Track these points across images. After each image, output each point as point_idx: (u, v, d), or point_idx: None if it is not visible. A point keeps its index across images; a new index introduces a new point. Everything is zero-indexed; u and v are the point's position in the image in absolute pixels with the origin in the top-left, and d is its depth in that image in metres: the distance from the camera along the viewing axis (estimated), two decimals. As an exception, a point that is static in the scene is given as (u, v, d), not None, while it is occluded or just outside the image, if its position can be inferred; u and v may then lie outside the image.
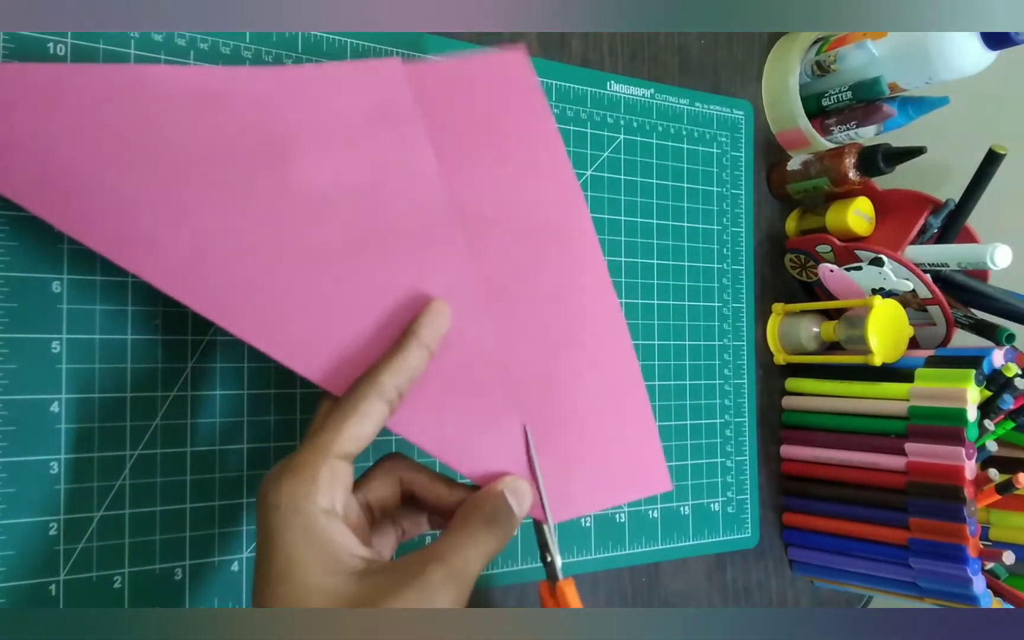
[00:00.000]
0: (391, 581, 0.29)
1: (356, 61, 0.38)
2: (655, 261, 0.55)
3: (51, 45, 0.37)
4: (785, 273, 0.63)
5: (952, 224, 0.57)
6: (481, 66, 0.41)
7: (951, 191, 0.57)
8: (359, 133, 0.36)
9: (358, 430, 0.31)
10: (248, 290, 0.33)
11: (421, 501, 0.35)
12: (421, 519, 0.37)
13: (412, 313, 0.35)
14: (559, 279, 0.39)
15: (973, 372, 0.50)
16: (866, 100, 0.58)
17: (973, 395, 0.50)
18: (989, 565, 0.50)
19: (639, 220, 0.55)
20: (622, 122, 0.55)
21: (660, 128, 0.56)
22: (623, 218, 0.54)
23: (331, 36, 0.44)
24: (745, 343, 0.59)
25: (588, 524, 0.51)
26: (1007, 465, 0.52)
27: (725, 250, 0.59)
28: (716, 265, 0.58)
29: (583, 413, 0.39)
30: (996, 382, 0.50)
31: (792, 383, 0.61)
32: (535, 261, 0.39)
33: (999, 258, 0.52)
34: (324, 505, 0.30)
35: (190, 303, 0.33)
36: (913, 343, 0.59)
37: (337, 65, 0.37)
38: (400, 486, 0.35)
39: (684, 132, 0.57)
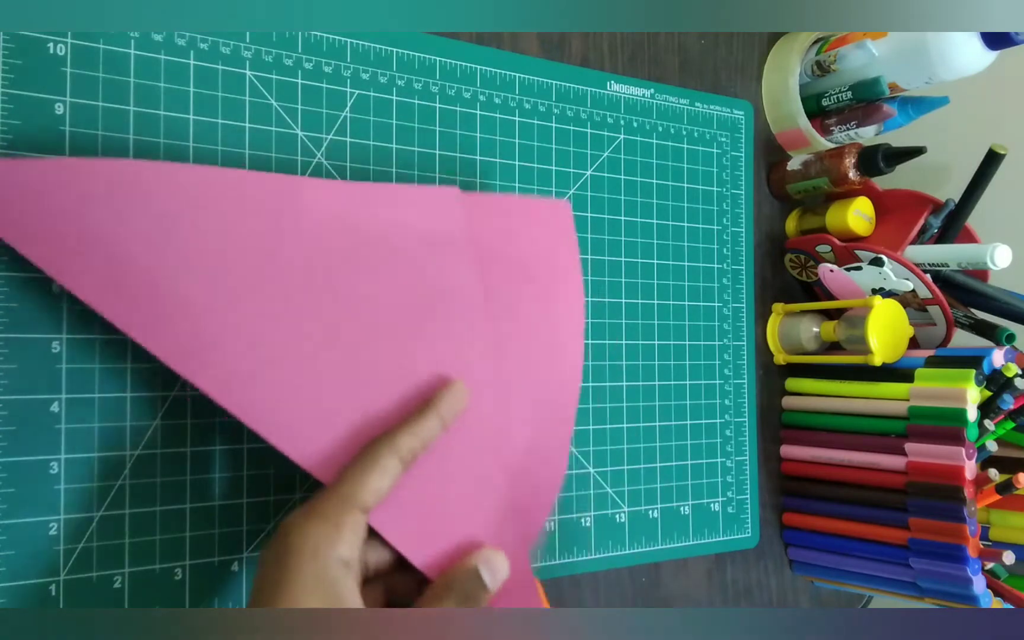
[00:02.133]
0: None
1: (417, 187, 0.40)
2: (655, 261, 0.55)
3: (51, 45, 0.37)
4: (785, 273, 0.63)
5: (952, 224, 0.57)
6: (527, 206, 0.44)
7: (951, 191, 0.57)
8: (416, 254, 0.38)
9: (378, 484, 0.32)
10: (295, 404, 0.34)
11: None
12: (413, 582, 0.37)
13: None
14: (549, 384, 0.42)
15: (973, 372, 0.50)
16: (866, 100, 0.58)
17: (973, 395, 0.50)
18: (989, 565, 0.50)
19: (639, 220, 0.55)
20: (622, 122, 0.55)
21: (660, 128, 0.56)
22: (623, 218, 0.54)
23: (331, 36, 0.44)
24: (745, 343, 0.59)
25: (588, 524, 0.51)
26: (1007, 465, 0.52)
27: (725, 250, 0.59)
28: (716, 265, 0.58)
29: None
30: (996, 382, 0.50)
31: (792, 383, 0.61)
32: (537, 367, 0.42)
33: (999, 258, 0.52)
34: (343, 556, 0.30)
35: (242, 417, 0.33)
36: (913, 343, 0.59)
37: (402, 188, 0.39)
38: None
39: (684, 132, 0.57)
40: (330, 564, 0.30)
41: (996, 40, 0.51)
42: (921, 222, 0.57)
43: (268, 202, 0.35)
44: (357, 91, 0.45)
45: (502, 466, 0.39)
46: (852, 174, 0.56)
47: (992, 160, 0.54)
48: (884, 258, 0.55)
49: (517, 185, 0.50)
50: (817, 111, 0.61)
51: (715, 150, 0.59)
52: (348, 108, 0.45)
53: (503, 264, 0.41)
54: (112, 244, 0.32)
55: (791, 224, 0.63)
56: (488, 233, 0.41)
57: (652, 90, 0.56)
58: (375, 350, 0.36)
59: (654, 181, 0.56)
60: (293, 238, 0.35)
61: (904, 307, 0.55)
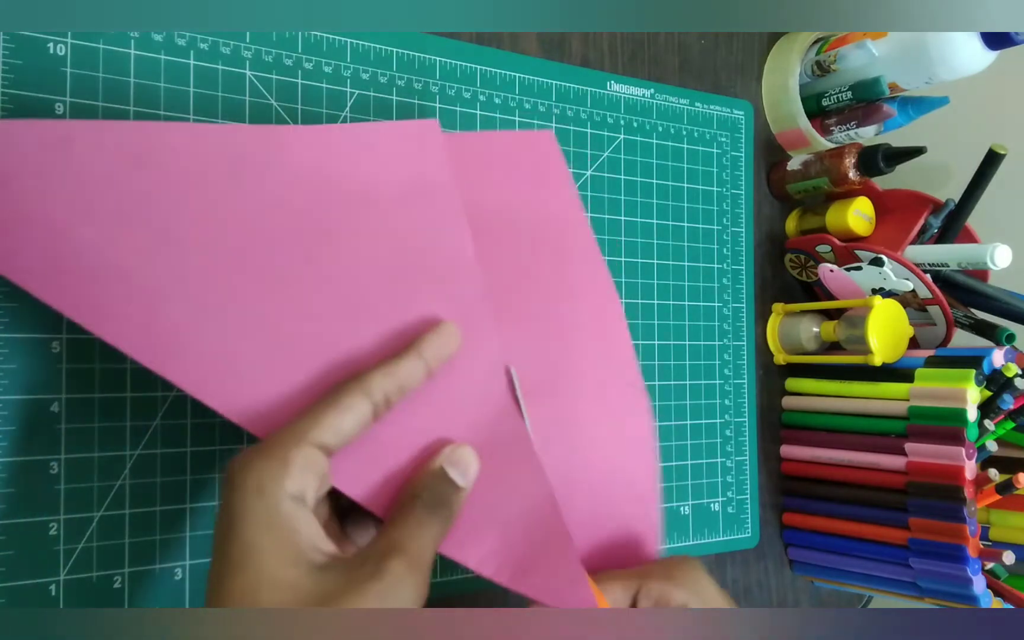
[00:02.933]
0: (350, 577, 0.28)
1: (397, 124, 0.36)
2: (655, 261, 0.55)
3: (51, 45, 0.37)
4: (785, 273, 0.63)
5: (952, 224, 0.57)
6: (512, 141, 0.41)
7: (951, 191, 0.57)
8: (397, 206, 0.35)
9: (337, 421, 0.30)
10: (270, 384, 0.31)
11: None
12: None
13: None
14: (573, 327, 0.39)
15: (973, 372, 0.50)
16: (866, 100, 0.58)
17: (973, 395, 0.50)
18: (989, 565, 0.50)
19: (639, 220, 0.55)
20: (622, 122, 0.55)
21: (660, 128, 0.56)
22: (623, 218, 0.54)
23: (331, 36, 0.44)
24: (745, 343, 0.59)
25: (588, 524, 0.51)
26: (1007, 465, 0.52)
27: (725, 250, 0.59)
28: (716, 265, 0.58)
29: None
30: (996, 382, 0.50)
31: (792, 383, 0.61)
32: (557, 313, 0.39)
33: (999, 258, 0.52)
34: (292, 490, 0.28)
35: (217, 407, 0.30)
36: (913, 343, 0.59)
37: (374, 126, 0.35)
38: None
39: (684, 132, 0.57)
40: (279, 499, 0.27)
41: (996, 40, 0.51)
42: (921, 222, 0.57)
43: (246, 153, 0.31)
44: (357, 91, 0.45)
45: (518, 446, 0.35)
46: (852, 174, 0.56)
47: (992, 160, 0.54)
48: (884, 258, 0.55)
49: (517, 185, 0.50)
50: (817, 111, 0.61)
51: (715, 150, 0.59)
52: (348, 108, 0.45)
53: (493, 210, 0.38)
54: (43, 215, 0.28)
55: (791, 224, 0.63)
56: (473, 175, 0.37)
57: (652, 90, 0.56)
58: (353, 308, 0.33)
59: (654, 181, 0.56)
60: (262, 193, 0.32)
61: (904, 307, 0.55)
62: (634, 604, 0.35)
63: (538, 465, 0.35)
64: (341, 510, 0.33)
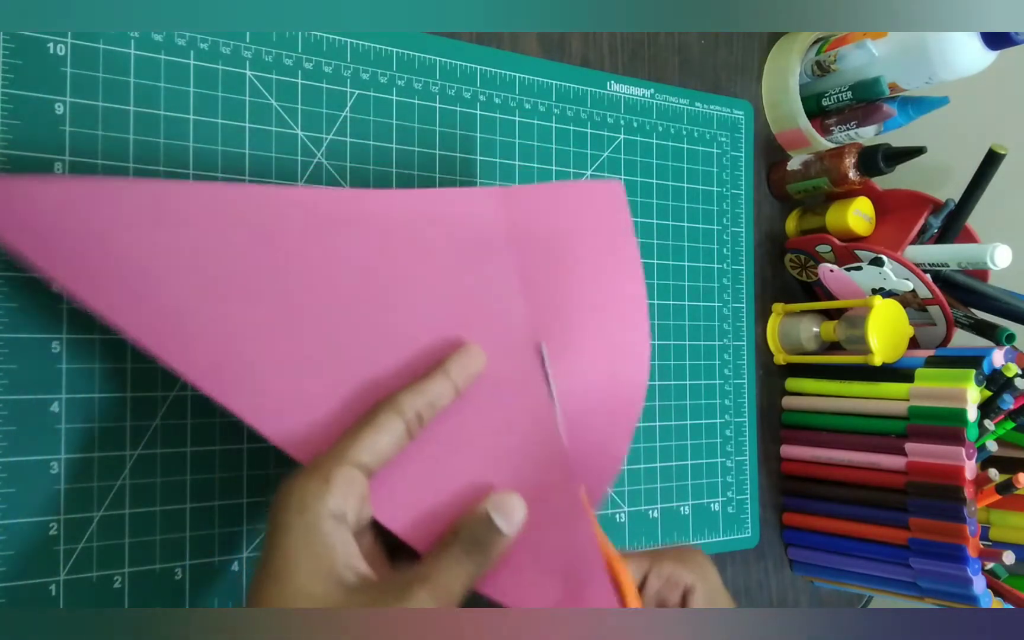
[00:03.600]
0: (373, 599, 0.29)
1: (460, 191, 0.39)
2: (655, 261, 0.55)
3: (51, 45, 0.37)
4: (785, 273, 0.63)
5: (952, 224, 0.57)
6: (577, 191, 0.42)
7: (951, 191, 0.57)
8: (453, 268, 0.37)
9: (372, 440, 0.31)
10: (317, 413, 0.33)
11: None
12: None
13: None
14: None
15: (973, 372, 0.50)
16: (866, 100, 0.58)
17: (973, 395, 0.50)
18: (989, 565, 0.50)
19: (639, 220, 0.55)
20: (622, 122, 0.55)
21: (660, 128, 0.56)
22: (623, 218, 0.54)
23: (331, 36, 0.44)
24: (745, 343, 0.59)
25: (588, 524, 0.51)
26: (1007, 465, 0.52)
27: (725, 250, 0.59)
28: (716, 265, 0.58)
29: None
30: (996, 382, 0.50)
31: (792, 383, 0.61)
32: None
33: (999, 258, 0.52)
34: (333, 508, 0.30)
35: (278, 442, 0.32)
36: (913, 343, 0.59)
37: (445, 193, 0.38)
38: None
39: (684, 132, 0.57)
40: (319, 516, 0.29)
41: (996, 40, 0.51)
42: (921, 222, 0.57)
43: (323, 213, 0.34)
44: (357, 91, 0.45)
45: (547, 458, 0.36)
46: (852, 174, 0.56)
47: (992, 160, 0.54)
48: (884, 258, 0.55)
49: (517, 185, 0.50)
50: (817, 111, 0.61)
51: (715, 150, 0.59)
52: (348, 108, 0.45)
53: (549, 257, 0.39)
54: (139, 265, 0.31)
55: (791, 224, 0.63)
56: (534, 227, 0.39)
57: (652, 90, 0.56)
58: (400, 350, 0.35)
59: (654, 181, 0.56)
60: (325, 254, 0.34)
61: (904, 307, 0.55)
62: (644, 582, 0.36)
63: (581, 509, 0.36)
64: (391, 546, 0.34)
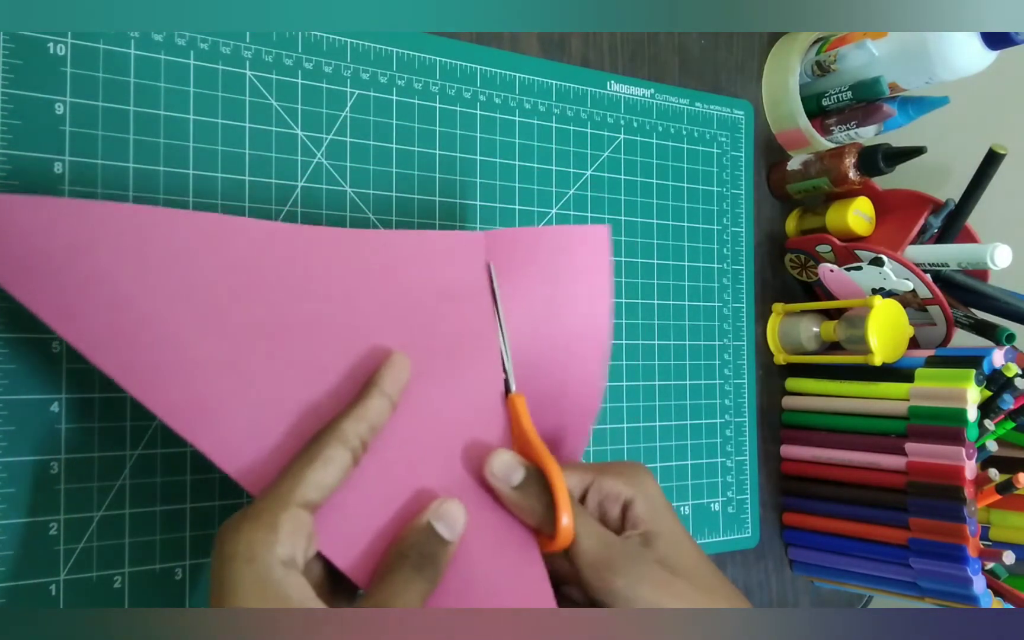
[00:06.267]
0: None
1: (443, 234, 0.39)
2: (655, 261, 0.55)
3: (51, 45, 0.37)
4: (785, 273, 0.63)
5: (952, 224, 0.57)
6: (561, 236, 0.41)
7: (951, 191, 0.57)
8: (431, 310, 0.37)
9: (320, 477, 0.30)
10: (266, 444, 0.32)
11: None
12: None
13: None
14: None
15: (973, 372, 0.50)
16: (866, 100, 0.58)
17: (973, 395, 0.50)
18: (989, 565, 0.50)
19: (639, 220, 0.55)
20: (622, 122, 0.55)
21: (660, 128, 0.56)
22: (623, 218, 0.54)
23: (331, 36, 0.44)
24: (745, 343, 0.59)
25: (588, 524, 0.51)
26: (1007, 465, 0.52)
27: (725, 250, 0.59)
28: (716, 265, 0.58)
29: None
30: (996, 382, 0.50)
31: (792, 383, 0.61)
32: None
33: (999, 258, 0.52)
34: (283, 556, 0.28)
35: (243, 483, 0.31)
36: (913, 343, 0.59)
37: (427, 237, 0.38)
38: None
39: (684, 132, 0.57)
40: (271, 566, 0.28)
41: (996, 40, 0.51)
42: (921, 222, 0.57)
43: (274, 248, 0.34)
44: (357, 91, 0.45)
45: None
46: (852, 174, 0.56)
47: (992, 160, 0.54)
48: (884, 258, 0.55)
49: (517, 185, 0.50)
50: (817, 111, 0.61)
51: (715, 150, 0.59)
52: (348, 108, 0.45)
53: (525, 302, 0.39)
54: (111, 288, 0.30)
55: (791, 224, 0.63)
56: (514, 271, 0.39)
57: (652, 90, 0.56)
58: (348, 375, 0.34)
59: (654, 181, 0.56)
60: (298, 290, 0.34)
61: (904, 307, 0.55)
62: (585, 495, 0.36)
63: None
64: (332, 569, 0.33)
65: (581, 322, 0.41)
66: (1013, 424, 0.51)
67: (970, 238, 0.58)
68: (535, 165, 0.51)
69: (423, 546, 0.31)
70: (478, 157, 0.49)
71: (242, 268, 0.33)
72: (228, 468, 0.31)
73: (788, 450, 0.61)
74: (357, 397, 0.32)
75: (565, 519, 0.32)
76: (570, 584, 0.35)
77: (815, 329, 0.60)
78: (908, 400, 0.53)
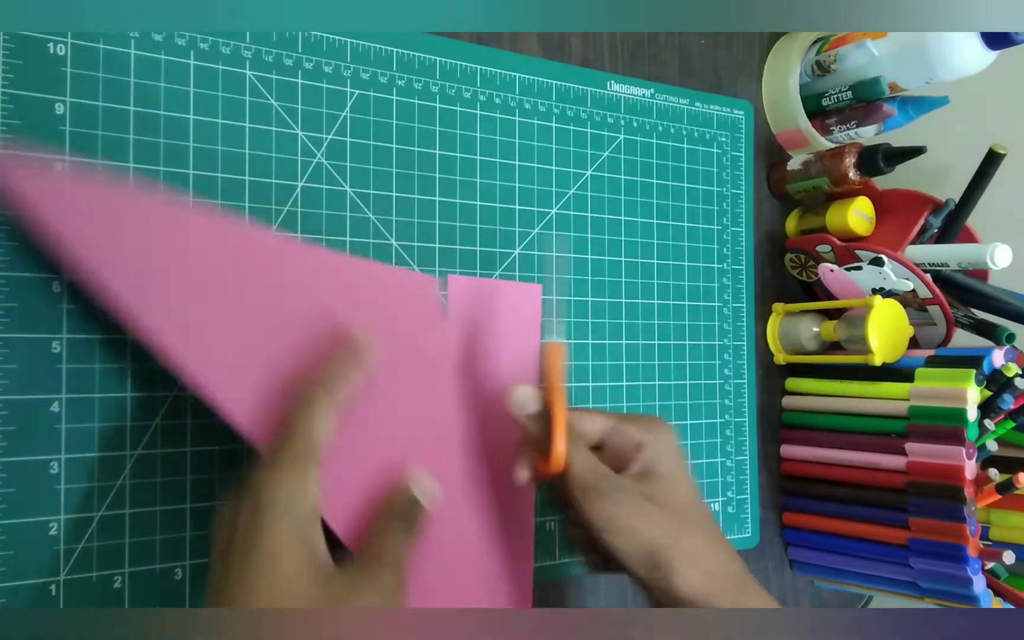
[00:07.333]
0: (351, 587, 0.31)
1: (404, 272, 0.45)
2: (655, 261, 0.55)
3: (51, 45, 0.37)
4: (785, 273, 0.63)
5: (952, 224, 0.57)
6: (502, 289, 0.48)
7: (951, 191, 0.57)
8: (398, 321, 0.42)
9: (325, 427, 0.33)
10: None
11: None
12: None
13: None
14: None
15: (973, 372, 0.50)
16: (866, 100, 0.58)
17: (973, 395, 0.50)
18: (989, 565, 0.50)
19: (639, 220, 0.55)
20: (622, 122, 0.55)
21: (660, 128, 0.56)
22: (623, 218, 0.54)
23: (331, 36, 0.44)
24: (745, 343, 0.59)
25: (588, 524, 0.51)
26: (1007, 465, 0.52)
27: (725, 250, 0.59)
28: (716, 265, 0.58)
29: None
30: (996, 382, 0.50)
31: (792, 383, 0.61)
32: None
33: (999, 258, 0.52)
34: (315, 504, 0.31)
35: (229, 415, 0.34)
36: (913, 343, 0.59)
37: (391, 271, 0.44)
38: None
39: (684, 132, 0.57)
40: (307, 516, 0.30)
41: (996, 40, 0.51)
42: (921, 222, 0.57)
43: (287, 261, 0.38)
44: (357, 91, 0.45)
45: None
46: (852, 174, 0.56)
47: (992, 160, 0.54)
48: (884, 258, 0.55)
49: (517, 185, 0.50)
50: (817, 111, 0.61)
51: (715, 150, 0.59)
52: (348, 108, 0.45)
53: (475, 340, 0.46)
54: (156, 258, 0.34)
55: (791, 224, 0.63)
56: (467, 314, 0.46)
57: (652, 90, 0.56)
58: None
59: (654, 181, 0.56)
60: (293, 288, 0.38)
61: (904, 307, 0.55)
62: (600, 445, 0.40)
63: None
64: None
65: (510, 360, 0.47)
66: (1013, 424, 0.51)
67: (970, 238, 0.58)
68: (535, 165, 0.51)
69: (408, 510, 0.36)
70: (478, 157, 0.49)
71: (247, 266, 0.37)
72: (237, 417, 0.34)
73: (788, 450, 0.61)
74: (329, 357, 0.36)
75: (560, 445, 0.37)
76: (570, 507, 0.39)
77: (815, 329, 0.60)
78: (908, 400, 0.53)
